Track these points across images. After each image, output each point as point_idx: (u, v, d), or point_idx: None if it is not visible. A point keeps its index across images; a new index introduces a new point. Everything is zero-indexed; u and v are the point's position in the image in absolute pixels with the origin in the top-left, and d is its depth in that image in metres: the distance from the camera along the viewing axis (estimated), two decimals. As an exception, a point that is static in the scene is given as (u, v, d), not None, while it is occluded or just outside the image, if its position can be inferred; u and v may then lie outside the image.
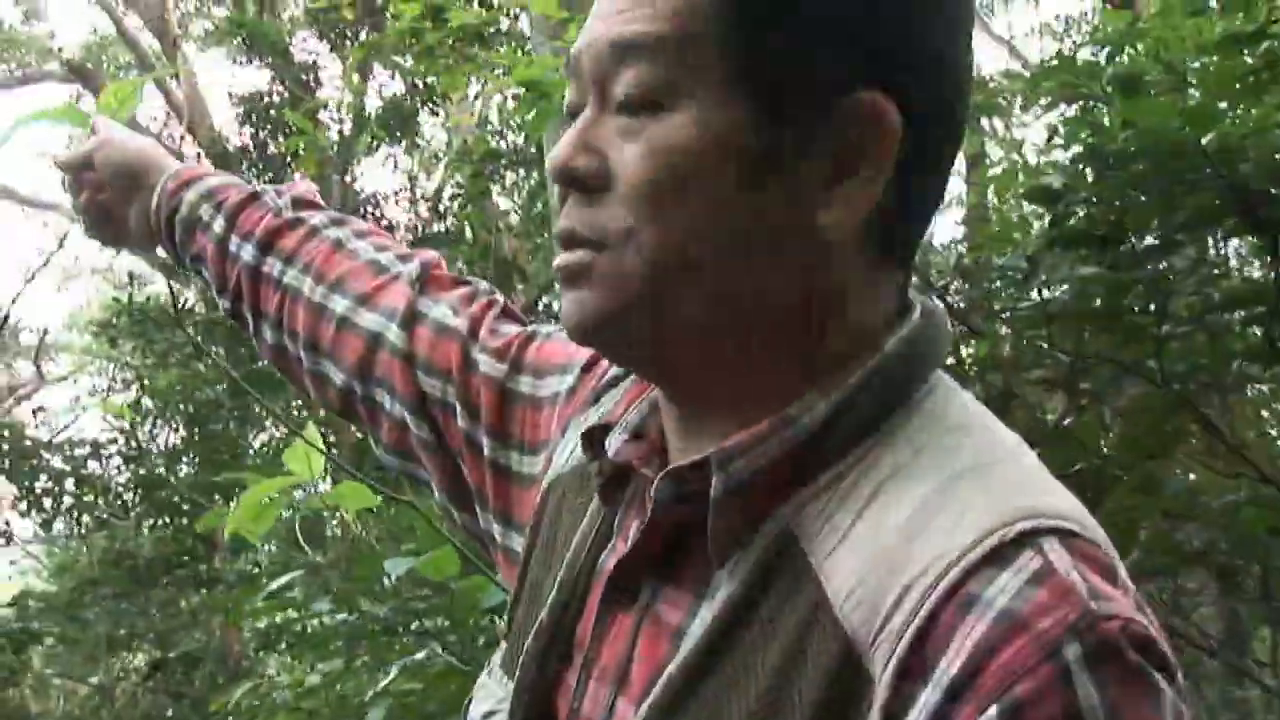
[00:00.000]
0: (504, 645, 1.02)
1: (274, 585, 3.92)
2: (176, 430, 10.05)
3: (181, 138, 12.49)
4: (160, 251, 1.46)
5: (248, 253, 1.32)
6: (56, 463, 9.48)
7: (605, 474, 0.92)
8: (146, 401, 10.17)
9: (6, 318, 15.27)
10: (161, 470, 9.53)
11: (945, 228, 8.57)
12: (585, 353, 1.08)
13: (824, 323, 0.83)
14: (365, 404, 1.23)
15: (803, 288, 0.83)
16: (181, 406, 9.75)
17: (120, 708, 9.70)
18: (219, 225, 1.35)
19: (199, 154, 12.23)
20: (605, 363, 1.06)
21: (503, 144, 10.63)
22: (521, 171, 10.34)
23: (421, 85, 10.53)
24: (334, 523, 7.06)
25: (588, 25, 0.86)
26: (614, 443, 0.94)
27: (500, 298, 1.22)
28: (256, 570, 8.80)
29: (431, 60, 6.92)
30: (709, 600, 0.81)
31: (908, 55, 0.82)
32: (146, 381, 10.18)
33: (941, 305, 0.95)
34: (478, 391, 1.13)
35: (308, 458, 2.37)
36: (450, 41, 6.58)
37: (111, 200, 1.45)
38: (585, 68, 0.85)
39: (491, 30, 7.67)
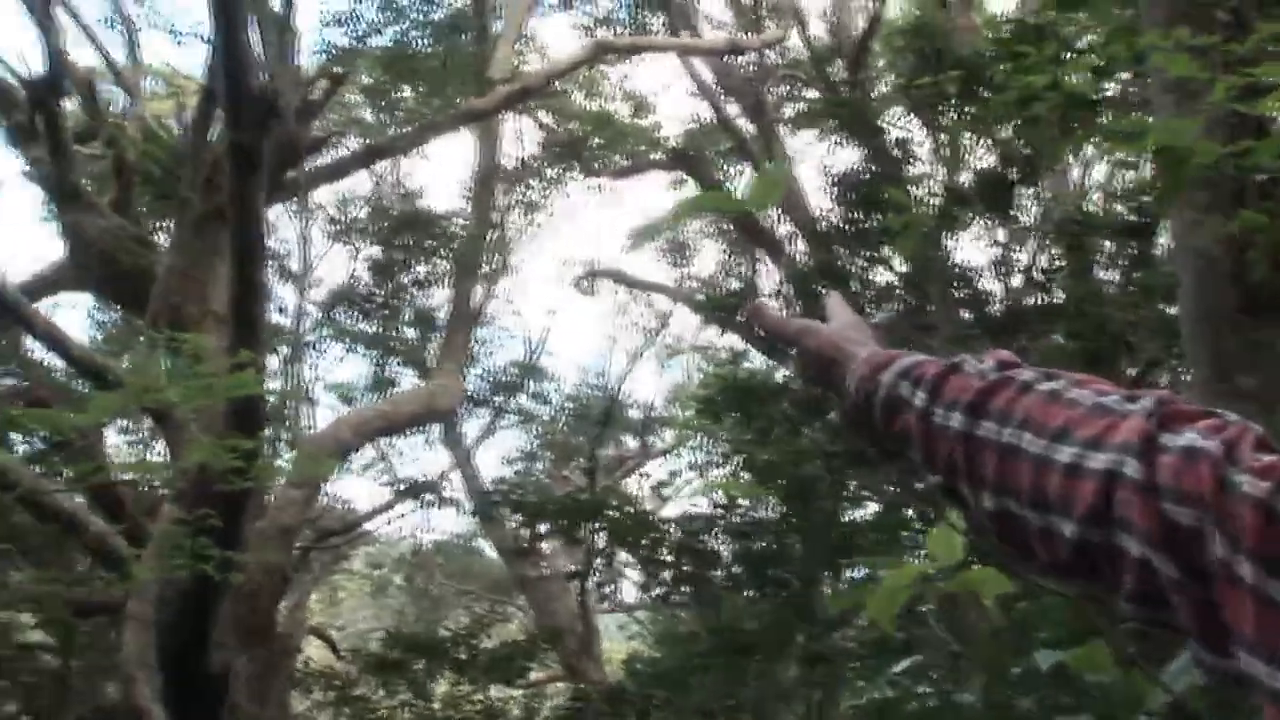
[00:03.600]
0: None
1: (899, 666, 3.91)
2: (777, 505, 10.30)
3: (779, 217, 12.92)
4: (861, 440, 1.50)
5: (957, 420, 1.28)
6: (674, 535, 9.95)
7: None
8: (745, 476, 10.50)
9: (616, 394, 16.28)
10: (765, 545, 9.79)
11: None
12: None
13: None
14: (1102, 552, 1.13)
15: None
16: (781, 482, 9.97)
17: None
18: (920, 399, 1.32)
19: (795, 233, 12.58)
20: None
21: (1101, 213, 10.29)
22: (1126, 242, 9.93)
23: (1018, 156, 10.36)
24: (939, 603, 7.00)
25: None
26: None
27: (1255, 427, 1.10)
28: (853, 646, 8.89)
29: (1037, 130, 6.77)
30: None
31: None
32: (746, 456, 10.48)
33: None
34: (1239, 515, 1.00)
35: (950, 541, 2.35)
36: (1060, 111, 6.39)
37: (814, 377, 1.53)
38: None
39: (1097, 96, 7.44)
